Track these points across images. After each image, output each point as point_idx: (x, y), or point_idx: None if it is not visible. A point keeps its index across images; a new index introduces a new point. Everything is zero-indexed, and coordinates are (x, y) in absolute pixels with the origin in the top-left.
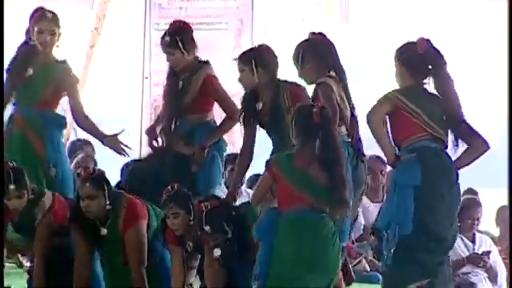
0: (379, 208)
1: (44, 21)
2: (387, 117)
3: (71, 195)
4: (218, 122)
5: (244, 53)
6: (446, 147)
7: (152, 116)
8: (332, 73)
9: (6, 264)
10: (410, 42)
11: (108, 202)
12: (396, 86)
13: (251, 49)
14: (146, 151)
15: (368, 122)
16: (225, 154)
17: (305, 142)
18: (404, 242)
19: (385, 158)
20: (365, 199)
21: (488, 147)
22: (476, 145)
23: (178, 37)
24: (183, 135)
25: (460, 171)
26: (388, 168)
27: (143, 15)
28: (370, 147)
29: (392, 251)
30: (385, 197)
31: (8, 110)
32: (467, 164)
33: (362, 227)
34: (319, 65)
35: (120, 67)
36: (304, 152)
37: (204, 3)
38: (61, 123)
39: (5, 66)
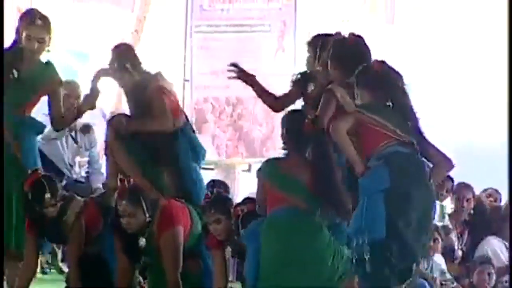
0: None
1: (33, 27)
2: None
3: None
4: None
5: (316, 36)
6: (418, 151)
7: (193, 119)
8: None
9: (47, 271)
10: (366, 65)
11: (147, 215)
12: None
13: (325, 34)
14: None
15: (332, 136)
16: (203, 161)
17: (295, 147)
18: (378, 246)
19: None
20: None
21: (452, 166)
22: (440, 164)
23: (125, 60)
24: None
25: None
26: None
27: (184, 17)
28: None
29: (368, 256)
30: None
31: None
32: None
33: None
34: (342, 67)
35: (160, 70)
36: (293, 157)
37: (247, 5)
38: (39, 129)
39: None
